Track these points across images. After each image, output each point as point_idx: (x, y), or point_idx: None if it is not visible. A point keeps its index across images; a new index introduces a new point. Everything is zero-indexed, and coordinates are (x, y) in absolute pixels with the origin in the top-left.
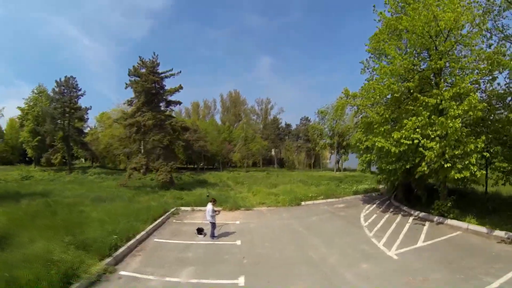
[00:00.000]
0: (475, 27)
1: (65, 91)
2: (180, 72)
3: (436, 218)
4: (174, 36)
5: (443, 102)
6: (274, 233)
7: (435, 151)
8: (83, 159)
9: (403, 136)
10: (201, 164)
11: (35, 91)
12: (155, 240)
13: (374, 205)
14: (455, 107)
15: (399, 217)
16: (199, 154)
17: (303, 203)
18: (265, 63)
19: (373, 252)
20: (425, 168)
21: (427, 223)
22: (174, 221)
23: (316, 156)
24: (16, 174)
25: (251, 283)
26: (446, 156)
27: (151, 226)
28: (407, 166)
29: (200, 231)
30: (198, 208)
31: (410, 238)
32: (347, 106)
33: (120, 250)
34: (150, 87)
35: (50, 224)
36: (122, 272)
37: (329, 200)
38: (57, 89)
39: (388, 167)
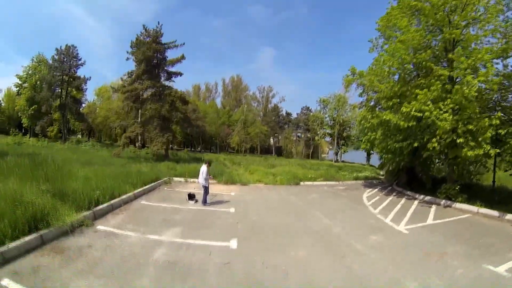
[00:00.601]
0: (491, 4)
1: (65, 59)
2: (184, 44)
3: (443, 202)
4: (178, 22)
5: (457, 72)
6: (272, 205)
7: (448, 123)
8: (79, 135)
9: (413, 108)
10: (199, 148)
11: (35, 59)
12: (142, 202)
13: (376, 189)
14: (470, 78)
15: (403, 200)
16: (197, 134)
17: (302, 183)
18: (267, 55)
19: (381, 226)
20: (436, 145)
21: (433, 206)
22: (165, 188)
23: (315, 147)
24: (9, 140)
25: (245, 247)
26: (459, 131)
27: (139, 190)
28: (415, 145)
29: (191, 196)
30: (192, 179)
31: (418, 216)
32: (353, 83)
33: (102, 206)
34: (151, 55)
35: (29, 174)
36: (100, 227)
37: (329, 182)
38: (57, 57)
39: (394, 145)
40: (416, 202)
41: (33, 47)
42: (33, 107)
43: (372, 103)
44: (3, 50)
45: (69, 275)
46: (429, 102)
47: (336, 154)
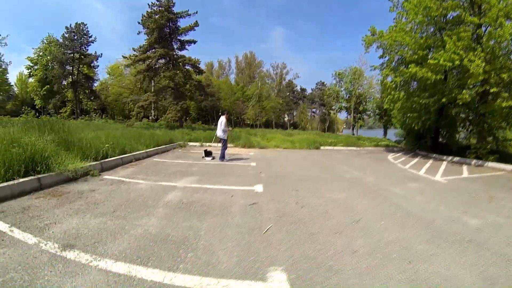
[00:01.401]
0: None
1: (75, 37)
2: (197, 12)
3: (474, 162)
4: (187, 2)
5: (488, 16)
6: (295, 161)
7: (481, 68)
8: (93, 114)
9: (442, 59)
10: (213, 124)
11: (45, 40)
12: (155, 159)
13: (400, 153)
14: (503, 20)
15: (430, 160)
16: (211, 108)
17: (322, 147)
18: (278, 34)
19: (415, 177)
20: (466, 96)
21: (464, 165)
22: (179, 150)
23: (330, 123)
24: (23, 119)
25: (272, 190)
26: (491, 80)
27: (152, 149)
28: (443, 100)
29: (208, 153)
30: (208, 143)
31: (452, 172)
32: (374, 43)
33: (111, 158)
34: (164, 23)
35: (34, 126)
36: (107, 177)
37: (349, 148)
38: (67, 35)
39: (420, 101)
40: (444, 162)
41: (42, 35)
42: (45, 87)
43: (394, 64)
44: (14, 41)
45: (61, 214)
46: (458, 51)
47: (352, 128)
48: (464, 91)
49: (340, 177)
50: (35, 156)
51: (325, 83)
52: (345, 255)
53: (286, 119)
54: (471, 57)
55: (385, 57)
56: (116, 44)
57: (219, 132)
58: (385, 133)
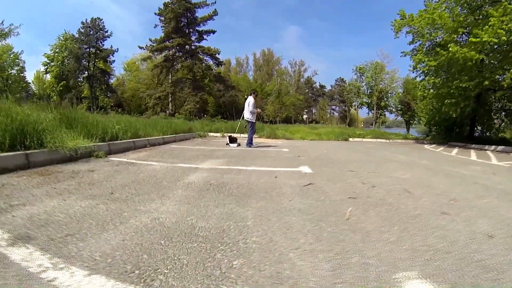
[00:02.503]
0: None
1: (91, 32)
2: (215, 2)
3: None
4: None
5: None
6: (329, 148)
7: None
8: (109, 110)
9: (486, 35)
10: (233, 120)
11: (61, 37)
12: (172, 146)
13: (434, 145)
14: None
15: (471, 150)
16: (229, 104)
17: (351, 139)
18: (292, 33)
19: (470, 161)
20: None
21: None
22: (199, 139)
23: (351, 119)
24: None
25: (324, 172)
26: None
27: (169, 135)
28: (486, 83)
29: (233, 140)
30: (229, 134)
31: (505, 158)
32: (404, 28)
33: (121, 141)
34: (181, 12)
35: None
36: (114, 158)
37: (379, 140)
38: (82, 30)
39: (460, 85)
40: (488, 152)
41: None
42: (61, 83)
43: (426, 48)
44: (32, 44)
45: (40, 195)
46: (504, 25)
47: (374, 125)
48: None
49: (389, 160)
50: (26, 128)
51: (344, 80)
52: (483, 242)
53: (305, 116)
54: None
55: (416, 42)
56: (133, 46)
57: (246, 114)
58: (408, 129)
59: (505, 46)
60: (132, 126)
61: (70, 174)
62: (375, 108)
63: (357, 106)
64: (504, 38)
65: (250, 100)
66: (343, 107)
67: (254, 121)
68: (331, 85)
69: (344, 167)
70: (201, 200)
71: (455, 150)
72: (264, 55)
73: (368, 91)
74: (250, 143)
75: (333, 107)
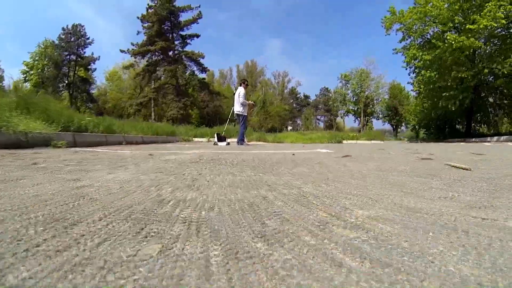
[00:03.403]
0: None
1: (72, 38)
2: (199, 6)
3: None
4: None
5: None
6: (329, 146)
7: None
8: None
9: (485, 20)
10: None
11: (41, 45)
12: (153, 145)
13: (431, 142)
14: None
15: (474, 143)
16: (214, 114)
17: (344, 141)
18: (275, 46)
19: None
20: None
21: None
22: (184, 144)
23: (337, 128)
24: None
25: (345, 152)
26: None
27: (150, 136)
28: (485, 71)
29: (221, 138)
30: (217, 132)
31: None
32: (394, 24)
33: (91, 133)
34: (165, 16)
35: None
36: (77, 148)
37: (373, 141)
38: (63, 36)
39: (459, 75)
40: (491, 143)
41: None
42: (40, 91)
43: (418, 42)
44: (17, 56)
45: None
46: (502, 9)
47: (360, 131)
48: None
49: (408, 149)
50: None
51: (329, 89)
52: None
53: (289, 128)
54: None
55: (407, 39)
56: (117, 58)
57: (237, 107)
58: (395, 135)
59: (502, 32)
60: (106, 120)
61: (7, 156)
62: (362, 115)
63: (343, 114)
64: (503, 21)
65: (241, 90)
66: (329, 116)
67: (246, 114)
68: (315, 95)
69: (364, 154)
70: (203, 167)
71: (462, 143)
72: (247, 67)
73: (354, 98)
74: (242, 139)
75: (318, 116)
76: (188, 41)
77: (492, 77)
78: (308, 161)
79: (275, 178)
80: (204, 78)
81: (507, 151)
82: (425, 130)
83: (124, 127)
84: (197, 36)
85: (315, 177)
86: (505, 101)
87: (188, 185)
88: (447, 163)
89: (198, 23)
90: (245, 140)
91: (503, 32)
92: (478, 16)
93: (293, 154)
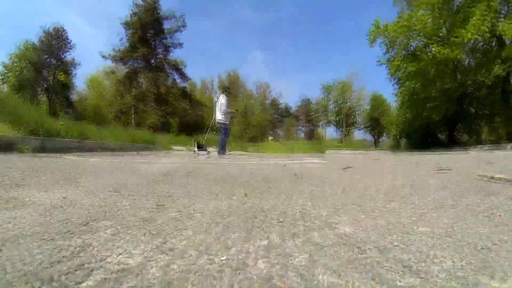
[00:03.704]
0: None
1: (53, 42)
2: (184, 15)
3: (510, 145)
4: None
5: None
6: (319, 157)
7: None
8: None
9: (469, 33)
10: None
11: (21, 47)
12: (130, 153)
13: (417, 151)
14: None
15: (459, 151)
16: (195, 124)
17: (328, 151)
18: (259, 58)
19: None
20: (500, 71)
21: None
22: (162, 152)
23: (318, 138)
24: None
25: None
26: None
27: (128, 143)
28: (469, 82)
29: (201, 147)
30: (197, 141)
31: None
32: (378, 37)
33: (63, 139)
34: (148, 22)
35: None
36: (38, 154)
37: (358, 151)
38: (44, 39)
39: (444, 86)
40: (475, 151)
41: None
42: (17, 94)
43: (402, 54)
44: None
45: None
46: (487, 23)
47: (341, 141)
48: (496, 66)
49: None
50: None
51: (310, 100)
52: None
53: (270, 138)
54: (504, 26)
55: (390, 51)
56: (100, 63)
57: (219, 116)
58: (376, 144)
59: (484, 46)
60: (81, 126)
61: None
62: (343, 125)
63: (325, 124)
64: (487, 35)
65: (223, 99)
66: (310, 126)
67: (228, 122)
68: (297, 105)
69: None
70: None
71: (448, 152)
72: (229, 77)
73: (336, 109)
74: (223, 149)
75: (299, 126)
76: (171, 49)
77: (473, 88)
78: (309, 175)
79: (282, 205)
80: (185, 87)
81: None
82: (407, 139)
83: (101, 133)
84: (180, 45)
85: (338, 200)
86: (486, 111)
87: (145, 220)
88: (482, 174)
89: (181, 31)
90: (226, 150)
91: (485, 46)
92: (463, 30)
93: (284, 165)
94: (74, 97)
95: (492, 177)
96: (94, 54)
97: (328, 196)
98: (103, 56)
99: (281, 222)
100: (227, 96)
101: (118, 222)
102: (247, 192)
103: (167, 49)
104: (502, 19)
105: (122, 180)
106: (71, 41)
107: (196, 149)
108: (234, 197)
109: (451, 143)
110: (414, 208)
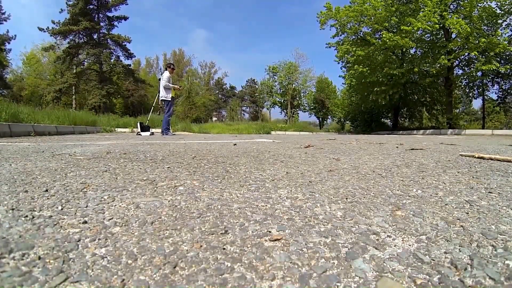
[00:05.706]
0: None
1: None
2: None
3: (450, 131)
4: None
5: None
6: (268, 137)
7: (466, 26)
8: None
9: (420, 23)
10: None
11: None
12: (68, 136)
13: (361, 134)
14: None
15: (405, 135)
16: (139, 104)
17: (273, 132)
18: (201, 37)
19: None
20: (445, 61)
21: (443, 135)
22: (104, 134)
23: (262, 120)
24: None
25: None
26: (471, 40)
27: (67, 126)
28: (415, 70)
29: (145, 128)
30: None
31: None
32: (329, 20)
33: None
34: None
35: None
36: None
37: (303, 132)
38: None
39: (391, 72)
40: (419, 135)
41: None
42: None
43: (352, 38)
44: None
45: None
46: (437, 15)
47: (286, 123)
48: (442, 56)
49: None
50: None
51: (255, 80)
52: None
53: (214, 119)
54: (453, 20)
55: (340, 35)
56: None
57: (162, 93)
58: (321, 126)
59: (431, 37)
60: (12, 107)
61: None
62: (289, 107)
63: (270, 105)
64: (437, 26)
65: (165, 74)
66: (255, 107)
67: (170, 99)
68: (242, 86)
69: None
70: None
71: (392, 135)
72: (175, 55)
73: (281, 90)
74: (167, 129)
75: (244, 107)
76: (115, 23)
77: (418, 77)
78: (269, 154)
79: (251, 195)
80: (129, 65)
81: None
82: (351, 122)
83: (36, 115)
84: (125, 18)
85: (343, 189)
86: (428, 99)
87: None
88: (464, 154)
89: (127, 4)
90: (170, 130)
91: (432, 37)
92: (414, 19)
93: (235, 145)
94: (9, 76)
95: (482, 157)
96: (31, 27)
97: (316, 182)
98: (41, 29)
99: (275, 242)
100: (170, 73)
101: None
102: (195, 177)
103: (111, 22)
104: (451, 13)
105: (35, 169)
106: (5, 12)
107: (139, 129)
108: (178, 183)
109: (395, 128)
110: (454, 196)
